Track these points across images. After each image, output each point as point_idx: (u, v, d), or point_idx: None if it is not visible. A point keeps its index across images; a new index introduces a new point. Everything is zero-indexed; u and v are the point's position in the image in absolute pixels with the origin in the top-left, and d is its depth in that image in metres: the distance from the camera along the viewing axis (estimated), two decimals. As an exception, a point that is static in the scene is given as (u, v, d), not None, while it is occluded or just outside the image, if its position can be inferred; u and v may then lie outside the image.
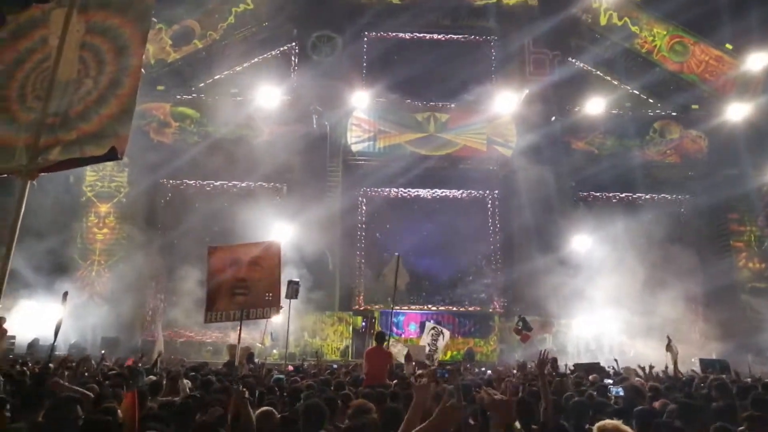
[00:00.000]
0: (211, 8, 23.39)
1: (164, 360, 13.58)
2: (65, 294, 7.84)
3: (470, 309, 23.52)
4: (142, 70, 2.89)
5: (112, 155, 2.51)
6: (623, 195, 24.58)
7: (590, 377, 9.53)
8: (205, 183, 24.04)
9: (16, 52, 2.55)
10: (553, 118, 22.90)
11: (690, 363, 17.29)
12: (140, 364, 10.16)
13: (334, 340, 20.41)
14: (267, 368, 11.01)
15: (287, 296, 18.39)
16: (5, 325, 14.39)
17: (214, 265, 7.46)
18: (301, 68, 23.76)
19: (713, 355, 20.00)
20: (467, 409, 4.43)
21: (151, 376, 7.77)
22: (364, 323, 20.20)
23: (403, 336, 20.49)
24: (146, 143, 22.09)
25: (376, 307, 22.21)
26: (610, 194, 24.59)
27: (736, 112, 22.28)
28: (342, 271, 22.82)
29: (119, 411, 4.40)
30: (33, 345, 16.59)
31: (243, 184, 24.02)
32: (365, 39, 25.32)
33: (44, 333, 16.22)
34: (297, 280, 16.12)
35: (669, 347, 13.14)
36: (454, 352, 20.36)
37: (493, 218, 25.20)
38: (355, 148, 23.01)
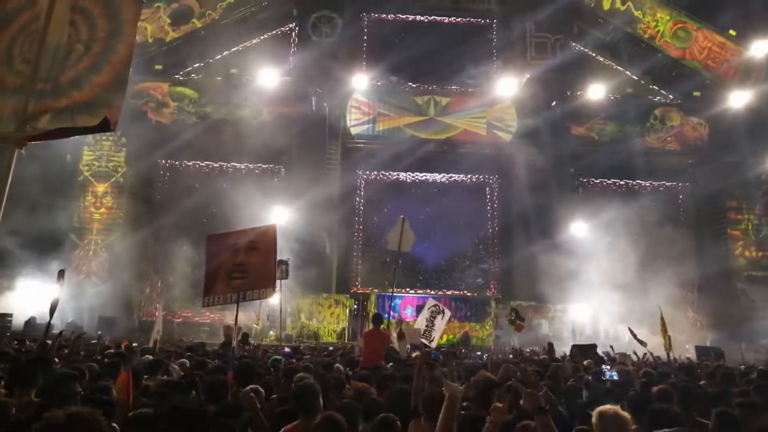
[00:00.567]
0: (211, -13, 23.12)
1: (164, 340, 13.62)
2: (61, 272, 7.81)
3: (467, 293, 23.59)
4: (137, 38, 2.80)
5: (105, 126, 2.43)
6: (622, 181, 24.56)
7: (585, 362, 9.56)
8: (203, 164, 23.94)
9: (2, 11, 2.46)
10: (554, 103, 22.79)
11: (684, 350, 17.42)
12: (135, 344, 10.18)
13: (331, 322, 20.48)
14: (263, 349, 11.05)
15: (278, 277, 18.45)
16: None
17: (212, 251, 7.60)
18: (301, 49, 23.54)
19: (707, 342, 20.16)
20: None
21: (148, 356, 7.76)
22: (356, 306, 20.26)
23: (396, 318, 20.54)
24: (144, 123, 21.97)
25: (374, 290, 22.25)
26: (610, 180, 24.56)
27: (738, 99, 22.16)
28: (339, 254, 22.84)
29: (113, 389, 4.41)
30: (30, 323, 16.61)
31: (241, 165, 23.92)
32: (365, 20, 25.08)
33: (41, 311, 16.23)
34: (285, 259, 16.02)
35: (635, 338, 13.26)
36: (450, 336, 20.44)
37: (492, 203, 25.19)
38: (354, 130, 22.89)
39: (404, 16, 25.29)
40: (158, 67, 22.71)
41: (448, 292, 23.40)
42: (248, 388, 4.46)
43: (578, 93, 23.42)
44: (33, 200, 18.27)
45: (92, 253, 20.98)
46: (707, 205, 23.83)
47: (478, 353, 14.83)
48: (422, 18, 25.30)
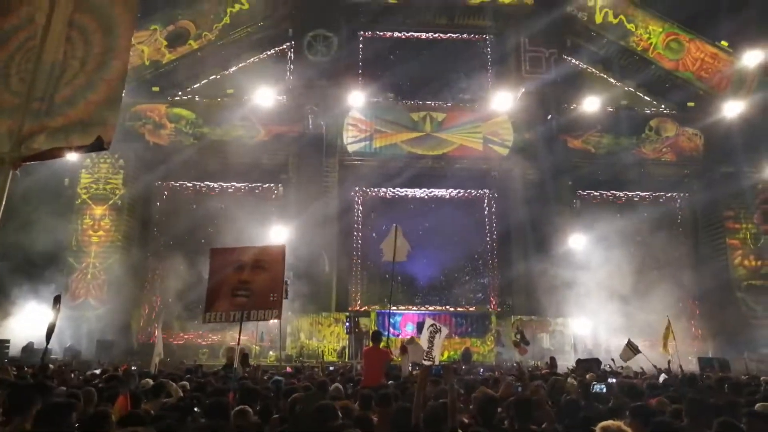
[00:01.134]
0: (206, 8, 23.30)
1: (164, 362, 13.53)
2: (57, 298, 7.76)
3: (467, 309, 23.50)
4: (134, 61, 2.80)
5: (99, 145, 2.41)
6: (620, 193, 24.61)
7: (588, 376, 9.48)
8: (201, 184, 23.98)
9: (0, 31, 2.45)
10: (549, 117, 22.87)
11: (687, 361, 17.29)
12: (134, 368, 10.09)
13: (331, 341, 20.33)
14: (263, 370, 10.96)
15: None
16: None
17: (215, 266, 7.42)
18: (297, 68, 23.69)
19: (709, 353, 20.07)
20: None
21: (148, 379, 7.69)
22: (347, 323, 20.09)
23: (400, 336, 20.41)
24: (142, 145, 22.03)
25: (374, 307, 22.16)
26: (607, 192, 24.62)
27: (732, 109, 22.29)
28: (338, 272, 22.76)
29: (112, 414, 4.35)
30: (27, 348, 16.50)
31: (239, 185, 23.96)
32: (361, 38, 25.30)
33: (39, 336, 16.10)
34: (286, 279, 15.93)
35: (633, 348, 13.34)
36: (451, 353, 20.30)
37: (490, 218, 25.20)
38: (351, 148, 22.94)
39: (399, 34, 25.52)
40: (155, 89, 22.81)
41: (448, 308, 23.32)
42: (237, 408, 4.44)
43: (573, 106, 23.54)
44: (31, 224, 18.26)
45: (90, 276, 20.88)
46: (705, 216, 23.85)
47: (480, 369, 14.73)
48: (417, 35, 25.54)
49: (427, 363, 4.97)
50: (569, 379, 8.34)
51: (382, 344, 9.54)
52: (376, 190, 25.01)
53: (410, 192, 24.93)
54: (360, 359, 14.12)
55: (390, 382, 8.03)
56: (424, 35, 25.55)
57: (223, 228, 21.43)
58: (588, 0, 24.07)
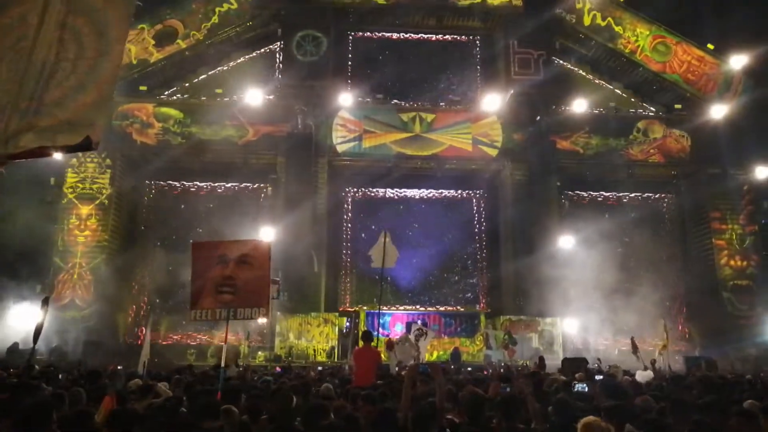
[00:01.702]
0: (195, 8, 23.16)
1: (154, 363, 13.43)
2: (45, 299, 7.65)
3: (456, 309, 23.54)
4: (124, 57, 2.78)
5: (87, 144, 2.39)
6: (608, 194, 24.75)
7: (576, 375, 9.53)
8: (189, 184, 23.83)
9: None
10: (538, 118, 22.97)
11: (674, 361, 17.43)
12: (120, 367, 10.00)
13: (320, 341, 20.28)
14: (252, 370, 10.93)
15: (270, 296, 18.35)
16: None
17: (198, 261, 7.21)
18: (286, 68, 23.62)
19: (696, 353, 20.25)
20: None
21: (137, 380, 7.63)
22: (348, 324, 20.10)
23: (389, 336, 20.42)
24: (129, 144, 21.87)
25: (363, 307, 22.15)
26: (595, 193, 24.76)
27: (718, 111, 22.53)
28: (328, 272, 22.71)
29: (97, 414, 4.31)
30: (13, 350, 16.29)
31: (228, 185, 23.84)
32: (350, 39, 25.27)
33: (25, 338, 15.97)
34: (277, 278, 15.92)
35: (634, 348, 13.55)
36: (441, 352, 20.35)
37: (479, 218, 25.27)
38: (340, 148, 22.90)
39: (388, 35, 25.53)
40: (143, 88, 22.64)
41: (438, 308, 23.35)
42: (223, 407, 4.43)
43: (562, 107, 23.67)
44: (16, 224, 18.07)
45: (76, 276, 20.67)
46: (692, 216, 24.06)
47: (468, 369, 14.77)
48: (406, 36, 25.54)
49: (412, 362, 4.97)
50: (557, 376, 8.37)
51: (372, 344, 9.52)
52: (365, 190, 25.00)
53: (400, 192, 24.95)
54: (350, 359, 14.11)
55: (379, 382, 8.02)
56: (413, 36, 25.57)
57: (212, 228, 21.33)
58: (576, 2, 24.21)
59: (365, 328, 18.25)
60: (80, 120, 2.43)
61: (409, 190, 24.86)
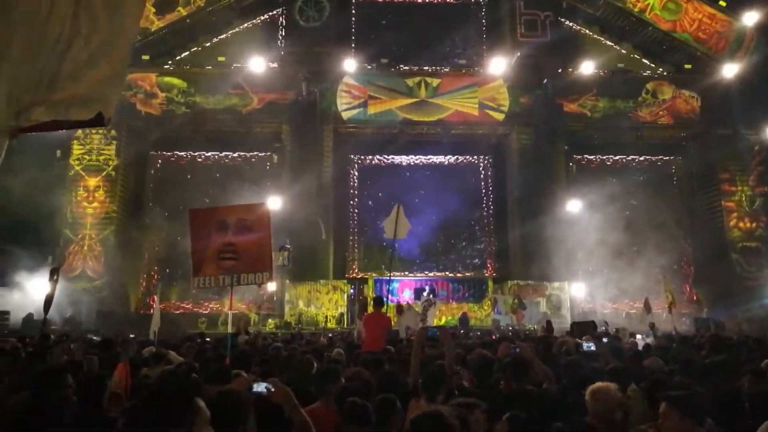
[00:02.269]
0: (195, -26, 22.76)
1: (167, 331, 13.62)
2: (54, 270, 7.73)
3: (465, 274, 23.65)
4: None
5: (99, 120, 2.40)
6: (616, 157, 24.52)
7: (584, 338, 9.59)
8: (194, 154, 23.79)
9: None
10: (545, 81, 22.65)
11: (681, 322, 17.55)
12: (132, 336, 10.17)
13: (330, 308, 20.48)
14: (262, 337, 11.08)
15: (281, 263, 18.53)
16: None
17: (197, 228, 7.13)
18: (289, 35, 23.30)
19: (704, 314, 20.33)
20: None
21: (151, 347, 7.75)
22: (353, 291, 20.27)
23: (397, 302, 20.62)
24: (133, 115, 21.77)
25: (372, 274, 22.29)
26: (603, 157, 24.54)
27: (729, 70, 22.09)
28: (336, 240, 22.81)
29: (111, 381, 4.39)
30: (28, 320, 16.58)
31: (233, 154, 23.79)
32: (353, 3, 24.81)
33: (39, 308, 16.20)
34: (288, 246, 16.04)
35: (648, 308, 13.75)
36: (449, 317, 20.51)
37: (486, 183, 25.19)
38: (345, 115, 22.72)
39: (392, -2, 25.04)
40: (145, 57, 22.40)
41: (446, 274, 23.46)
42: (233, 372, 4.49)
43: (569, 70, 23.28)
44: (26, 197, 18.15)
45: (87, 247, 20.88)
46: (701, 178, 23.85)
47: (477, 333, 14.91)
48: (410, -1, 25.07)
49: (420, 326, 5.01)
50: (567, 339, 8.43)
51: (383, 309, 9.60)
52: (371, 157, 24.92)
53: (406, 159, 24.84)
54: (361, 325, 14.27)
55: (389, 347, 8.10)
56: (417, -1, 25.10)
57: (219, 197, 21.35)
58: (584, -40, 23.61)
59: (373, 295, 18.39)
60: (93, 95, 2.43)
61: (415, 157, 24.73)
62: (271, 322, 20.15)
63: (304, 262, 20.22)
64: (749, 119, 22.11)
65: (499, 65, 22.42)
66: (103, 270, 20.71)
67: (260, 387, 3.10)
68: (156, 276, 22.60)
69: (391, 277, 21.77)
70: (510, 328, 17.54)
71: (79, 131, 21.00)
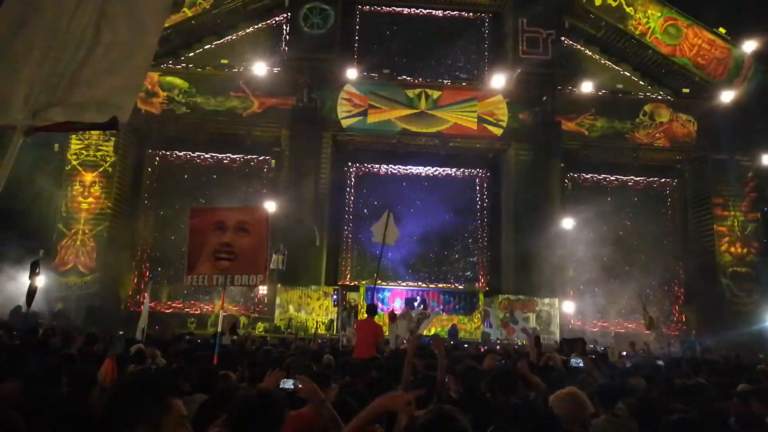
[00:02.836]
0: (202, -24, 22.88)
1: (156, 331, 13.60)
2: (33, 263, 7.72)
3: (456, 287, 23.68)
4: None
5: (113, 124, 2.48)
6: (611, 177, 24.68)
7: (572, 355, 9.63)
8: (193, 154, 23.80)
9: (28, 6, 2.49)
10: (545, 98, 22.81)
11: (664, 343, 17.60)
12: (121, 332, 10.15)
13: (320, 314, 20.45)
14: (252, 340, 11.07)
15: (277, 266, 18.52)
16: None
17: (196, 226, 7.21)
18: (292, 40, 23.41)
19: (692, 337, 20.42)
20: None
21: (139, 345, 7.75)
22: (335, 296, 20.21)
23: (388, 311, 20.62)
24: (134, 112, 21.51)
25: (363, 282, 22.30)
26: (599, 176, 24.68)
27: (726, 97, 22.35)
28: (329, 246, 22.82)
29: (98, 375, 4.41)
30: (15, 312, 16.50)
31: (233, 156, 23.82)
32: (358, 12, 25.00)
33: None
34: (284, 250, 16.10)
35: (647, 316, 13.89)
36: (438, 329, 20.49)
37: (481, 197, 25.28)
38: (344, 122, 22.80)
39: (397, 9, 25.22)
40: (148, 56, 22.42)
41: (438, 285, 23.48)
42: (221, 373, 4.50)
43: (569, 88, 23.49)
44: (20, 189, 18.11)
45: (79, 242, 20.82)
46: (694, 202, 24.01)
47: (465, 345, 14.94)
48: (415, 11, 25.26)
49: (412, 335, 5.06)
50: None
51: (376, 317, 9.65)
52: (368, 165, 25.00)
53: (403, 169, 24.92)
54: (346, 332, 14.29)
55: (377, 355, 8.13)
56: (422, 11, 25.28)
57: (215, 199, 21.40)
58: (588, -19, 23.87)
59: (364, 302, 18.41)
60: (110, 100, 2.50)
61: (412, 167, 24.82)
62: (260, 326, 20.12)
63: (296, 267, 20.20)
64: (744, 145, 22.35)
65: (499, 81, 22.60)
66: (94, 266, 20.64)
67: (288, 383, 3.11)
68: (148, 274, 22.54)
69: (382, 286, 21.84)
70: (498, 341, 17.60)
71: (79, 126, 20.96)
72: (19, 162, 2.46)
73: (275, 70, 22.82)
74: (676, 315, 23.41)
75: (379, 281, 22.00)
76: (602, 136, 23.23)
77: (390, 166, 24.82)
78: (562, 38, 23.94)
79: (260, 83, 22.17)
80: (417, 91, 23.16)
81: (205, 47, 23.94)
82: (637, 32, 23.92)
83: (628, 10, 23.84)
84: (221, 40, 24.02)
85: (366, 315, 9.39)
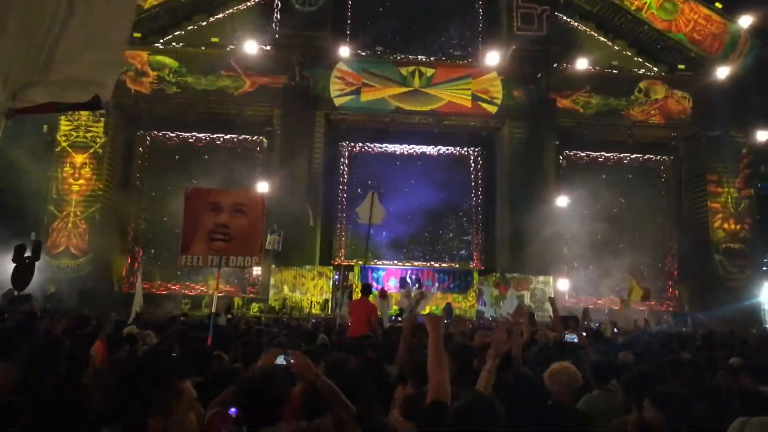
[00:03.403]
0: (190, -48, 22.44)
1: (150, 312, 13.57)
2: (18, 247, 7.64)
3: (450, 265, 23.72)
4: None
5: (95, 103, 2.40)
6: (606, 154, 24.62)
7: (566, 332, 9.66)
8: (184, 135, 23.56)
9: None
10: (539, 75, 22.62)
11: (664, 320, 17.75)
12: (114, 313, 10.11)
13: (314, 294, 20.47)
14: (246, 320, 11.05)
15: (272, 247, 18.48)
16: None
17: (191, 206, 7.14)
18: (284, 18, 23.04)
19: (685, 311, 20.61)
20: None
21: (133, 326, 7.70)
22: (337, 276, 20.24)
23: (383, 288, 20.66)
24: (123, 93, 21.47)
25: (358, 261, 22.29)
26: (594, 153, 24.61)
27: (722, 72, 22.22)
28: (323, 226, 22.76)
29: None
30: (8, 295, 16.39)
31: (225, 136, 23.59)
32: (350, -12, 24.61)
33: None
34: (280, 231, 16.06)
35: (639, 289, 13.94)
36: (433, 308, 20.56)
37: (476, 175, 25.22)
38: (337, 101, 22.58)
39: (389, -15, 24.83)
40: (137, 34, 22.04)
41: (432, 264, 23.52)
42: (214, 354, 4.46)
43: (564, 65, 23.28)
44: (10, 171, 17.91)
45: (71, 224, 20.67)
46: (689, 178, 24.03)
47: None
48: (408, -13, 24.88)
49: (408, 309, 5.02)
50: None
51: (370, 297, 9.66)
52: (362, 144, 24.85)
53: (397, 147, 24.79)
54: (341, 311, 14.31)
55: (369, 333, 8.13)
56: (415, -13, 24.90)
57: (207, 179, 21.21)
58: (583, -44, 23.55)
59: (359, 282, 18.41)
60: (89, 78, 2.45)
61: (406, 146, 24.69)
62: (255, 306, 20.12)
63: (290, 247, 20.14)
64: (739, 122, 22.31)
65: (494, 58, 22.39)
66: (86, 248, 20.52)
67: (281, 359, 3.07)
68: (140, 256, 22.45)
69: (377, 266, 21.86)
70: (491, 318, 17.69)
71: (67, 107, 20.68)
72: (6, 143, 2.36)
73: (267, 48, 22.50)
74: (670, 291, 23.55)
75: (374, 261, 22.08)
76: (597, 114, 23.12)
77: (384, 144, 24.67)
78: (557, 14, 23.68)
79: (251, 62, 21.86)
80: (410, 68, 22.92)
81: (196, 26, 23.54)
82: (632, 7, 23.66)
83: (624, -16, 23.57)
84: (212, 18, 23.62)
85: (360, 294, 9.40)
